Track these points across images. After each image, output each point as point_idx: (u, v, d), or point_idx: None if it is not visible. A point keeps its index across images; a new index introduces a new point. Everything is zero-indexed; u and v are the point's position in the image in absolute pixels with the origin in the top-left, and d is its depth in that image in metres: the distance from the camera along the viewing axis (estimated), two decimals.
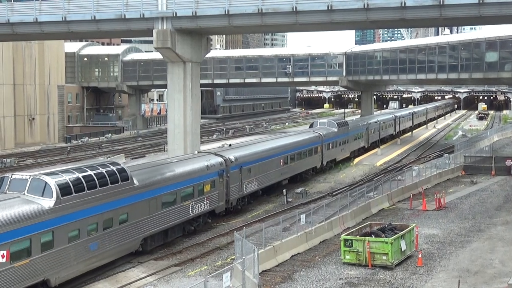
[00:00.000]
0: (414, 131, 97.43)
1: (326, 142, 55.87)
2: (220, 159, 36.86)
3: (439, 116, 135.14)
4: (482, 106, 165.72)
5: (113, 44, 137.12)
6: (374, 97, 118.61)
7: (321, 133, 55.46)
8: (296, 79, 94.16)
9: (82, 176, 25.41)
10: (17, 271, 21.55)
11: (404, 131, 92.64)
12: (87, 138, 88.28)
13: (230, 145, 43.36)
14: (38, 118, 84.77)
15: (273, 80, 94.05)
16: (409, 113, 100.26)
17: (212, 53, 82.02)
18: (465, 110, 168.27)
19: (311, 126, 62.49)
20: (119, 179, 27.20)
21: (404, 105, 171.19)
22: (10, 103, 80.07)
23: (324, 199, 41.85)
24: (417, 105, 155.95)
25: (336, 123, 60.71)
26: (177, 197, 31.64)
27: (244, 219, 37.87)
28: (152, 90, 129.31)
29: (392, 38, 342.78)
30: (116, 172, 27.30)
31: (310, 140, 52.90)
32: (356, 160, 64.39)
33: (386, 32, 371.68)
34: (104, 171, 26.69)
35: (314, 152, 53.14)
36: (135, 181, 28.32)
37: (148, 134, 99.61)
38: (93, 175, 25.94)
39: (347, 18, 41.38)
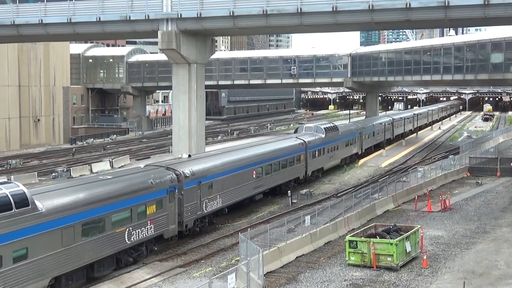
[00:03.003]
0: (418, 133, 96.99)
1: (311, 150, 50.73)
2: (170, 174, 31.11)
3: (443, 118, 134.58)
4: (487, 107, 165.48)
5: (118, 46, 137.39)
6: (379, 98, 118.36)
7: (305, 140, 50.19)
8: (301, 80, 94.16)
9: None
10: None
11: (403, 135, 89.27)
12: (92, 139, 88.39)
13: (189, 155, 38.95)
14: (43, 119, 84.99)
15: (278, 81, 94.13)
16: (411, 115, 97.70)
17: (216, 55, 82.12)
18: (470, 111, 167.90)
19: (295, 131, 58.04)
20: (13, 205, 21.41)
21: (409, 106, 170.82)
22: (15, 104, 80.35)
23: (329, 201, 41.85)
24: (422, 106, 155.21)
25: (324, 128, 55.59)
26: (106, 223, 25.72)
27: (248, 220, 37.89)
28: (157, 91, 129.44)
29: (397, 39, 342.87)
30: (9, 196, 21.46)
31: (291, 148, 47.63)
32: (361, 161, 64.31)
33: (391, 33, 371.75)
34: None
35: (296, 161, 47.81)
36: (39, 207, 22.48)
37: (153, 135, 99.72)
38: None
39: (351, 19, 41.47)
